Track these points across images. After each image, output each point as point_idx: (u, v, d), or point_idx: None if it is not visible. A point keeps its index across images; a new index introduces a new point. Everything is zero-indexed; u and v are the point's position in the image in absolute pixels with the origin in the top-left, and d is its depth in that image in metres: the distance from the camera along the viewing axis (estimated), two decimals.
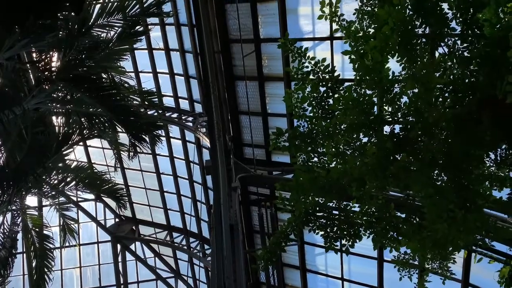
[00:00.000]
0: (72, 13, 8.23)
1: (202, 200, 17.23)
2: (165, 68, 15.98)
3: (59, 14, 8.24)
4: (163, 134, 15.99)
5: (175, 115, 16.23)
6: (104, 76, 10.07)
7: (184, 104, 16.43)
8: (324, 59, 5.84)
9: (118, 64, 10.42)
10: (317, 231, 5.91)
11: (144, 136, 10.33)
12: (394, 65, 5.40)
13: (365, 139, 5.55)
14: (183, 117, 16.10)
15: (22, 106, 7.76)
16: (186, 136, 16.96)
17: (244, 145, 13.58)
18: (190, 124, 15.45)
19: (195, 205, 17.86)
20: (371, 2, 5.78)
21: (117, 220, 20.20)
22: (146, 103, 11.85)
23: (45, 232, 12.96)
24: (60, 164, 12.58)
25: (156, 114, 14.82)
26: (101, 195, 16.16)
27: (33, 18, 7.60)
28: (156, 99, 12.13)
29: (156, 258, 20.22)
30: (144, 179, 18.84)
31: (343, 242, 5.82)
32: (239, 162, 12.56)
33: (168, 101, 16.43)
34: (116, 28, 9.92)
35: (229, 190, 10.89)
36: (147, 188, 19.08)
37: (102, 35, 9.75)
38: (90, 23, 9.45)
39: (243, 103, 12.85)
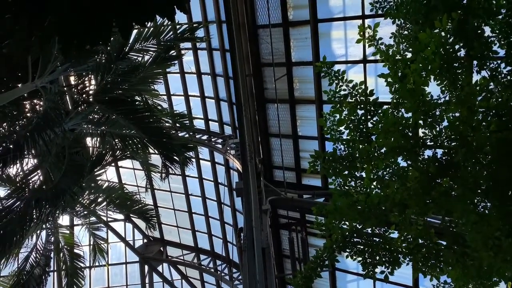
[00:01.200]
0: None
1: (230, 222, 17.32)
2: (196, 91, 16.25)
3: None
4: (193, 156, 16.17)
5: (205, 137, 16.39)
6: (138, 98, 10.31)
7: (214, 127, 16.61)
8: (362, 82, 5.81)
9: (152, 87, 10.68)
10: (354, 257, 5.77)
11: (175, 157, 10.46)
12: (432, 88, 5.33)
13: (404, 163, 5.45)
14: (212, 139, 16.25)
15: (62, 127, 7.99)
16: (215, 158, 17.08)
17: (274, 167, 13.60)
18: (220, 146, 15.57)
19: (223, 227, 17.82)
20: (408, 25, 5.78)
21: (145, 241, 20.32)
22: (177, 125, 12.07)
23: (76, 251, 13.15)
24: (93, 184, 12.83)
25: (187, 136, 15.05)
26: (131, 215, 16.33)
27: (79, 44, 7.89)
28: (187, 121, 12.36)
29: (183, 280, 20.16)
30: (173, 200, 18.97)
31: (382, 269, 5.66)
32: (269, 185, 12.54)
33: (199, 124, 16.65)
34: (151, 53, 10.22)
35: (260, 213, 10.81)
36: (175, 209, 19.18)
37: (137, 59, 10.05)
38: (127, 48, 9.76)
39: (273, 125, 12.91)
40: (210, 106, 16.32)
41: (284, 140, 12.93)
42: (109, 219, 19.64)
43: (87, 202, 12.94)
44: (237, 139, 15.02)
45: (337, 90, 5.85)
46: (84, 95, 9.71)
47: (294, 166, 13.21)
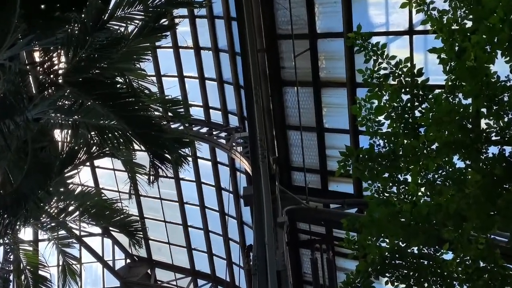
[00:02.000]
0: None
1: (236, 239, 17.38)
2: (194, 71, 16.30)
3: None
4: (190, 154, 16.26)
5: (204, 130, 16.47)
6: (120, 80, 10.36)
7: (216, 116, 16.68)
8: (407, 59, 5.77)
9: (138, 65, 10.71)
10: (396, 283, 5.75)
11: (167, 155, 10.51)
12: (499, 67, 5.28)
13: (461, 164, 5.42)
14: (214, 133, 16.32)
15: (25, 116, 8.05)
16: (217, 156, 17.21)
17: (293, 169, 13.62)
18: (223, 141, 15.65)
19: (227, 245, 17.90)
20: None
21: (128, 261, 20.47)
22: (170, 114, 12.11)
23: (41, 272, 13.27)
24: (62, 189, 12.92)
25: (181, 128, 15.11)
26: (111, 228, 16.42)
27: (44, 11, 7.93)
28: (182, 110, 12.39)
29: None
30: (164, 209, 19.10)
31: None
32: (286, 191, 12.58)
33: (197, 112, 16.75)
34: (137, 22, 10.23)
35: (274, 227, 10.84)
36: (167, 222, 19.32)
37: (119, 30, 10.08)
38: (107, 16, 9.78)
39: (292, 115, 12.93)
40: (212, 90, 16.36)
41: (306, 134, 12.93)
42: (83, 233, 19.82)
43: (56, 211, 13.02)
44: (245, 132, 15.03)
45: (375, 69, 5.82)
46: (52, 76, 9.76)
47: (318, 167, 13.20)
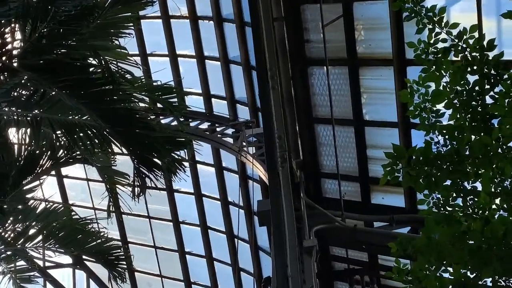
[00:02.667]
0: None
1: (249, 269, 17.45)
2: (189, 49, 16.39)
3: None
4: (186, 157, 16.33)
5: (205, 126, 16.56)
6: (93, 62, 10.41)
7: (221, 107, 16.83)
8: (474, 27, 5.72)
9: (116, 43, 10.76)
10: None
11: (156, 160, 10.56)
12: None
13: None
14: (218, 129, 16.42)
15: None
16: (222, 161, 17.35)
17: (323, 175, 13.68)
18: (230, 140, 15.77)
19: (237, 277, 17.96)
20: None
21: None
22: (159, 105, 12.16)
23: None
24: (20, 207, 13.01)
25: (175, 123, 15.16)
26: (84, 257, 16.51)
27: None
28: (176, 99, 12.43)
29: None
30: (154, 232, 19.22)
31: None
32: (315, 206, 12.60)
33: (195, 102, 16.88)
34: None
35: (299, 253, 10.80)
36: (158, 247, 19.46)
37: None
38: None
39: (321, 104, 13.00)
40: (214, 73, 16.47)
41: (340, 129, 12.99)
42: (48, 264, 19.93)
43: (12, 235, 13.12)
44: (259, 128, 15.11)
45: (432, 42, 5.78)
46: (3, 58, 9.83)
47: (357, 173, 13.24)
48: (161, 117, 16.31)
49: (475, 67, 5.67)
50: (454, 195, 5.76)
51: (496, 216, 5.64)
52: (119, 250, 13.54)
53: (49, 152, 11.81)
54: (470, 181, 5.67)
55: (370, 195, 13.34)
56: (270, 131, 11.11)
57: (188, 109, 15.76)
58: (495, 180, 5.53)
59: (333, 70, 12.42)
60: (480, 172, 5.53)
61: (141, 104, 11.36)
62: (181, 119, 14.84)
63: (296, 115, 13.06)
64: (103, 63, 10.14)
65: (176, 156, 11.39)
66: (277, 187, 10.95)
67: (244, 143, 14.99)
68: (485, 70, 5.66)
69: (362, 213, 13.00)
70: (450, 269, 5.81)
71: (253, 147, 14.90)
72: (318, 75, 12.74)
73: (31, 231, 13.16)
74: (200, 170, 17.88)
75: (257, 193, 15.63)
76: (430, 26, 5.83)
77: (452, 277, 5.79)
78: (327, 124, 13.02)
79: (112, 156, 12.61)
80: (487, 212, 5.69)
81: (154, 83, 12.28)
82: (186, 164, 16.47)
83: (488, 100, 5.66)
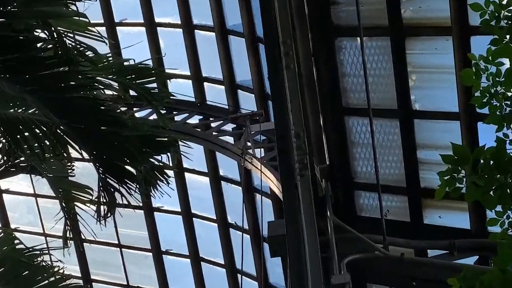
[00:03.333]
0: None
1: None
2: (173, 16, 16.42)
3: None
4: (170, 164, 16.32)
5: (195, 120, 16.63)
6: (42, 35, 10.40)
7: (216, 95, 16.99)
8: None
9: (72, 8, 10.74)
10: None
11: (129, 169, 10.56)
12: None
13: None
14: (213, 125, 16.61)
15: None
16: (219, 167, 17.56)
17: (357, 186, 13.69)
18: (230, 139, 15.96)
19: None
20: None
21: None
22: (132, 92, 12.15)
23: None
24: None
25: (154, 117, 15.15)
26: None
27: None
28: (155, 84, 12.41)
29: None
30: (127, 265, 19.28)
31: None
32: (347, 228, 12.57)
33: (182, 88, 17.03)
34: None
35: None
36: (132, 287, 19.52)
37: None
38: None
39: (354, 88, 13.01)
40: (206, 49, 16.70)
41: (380, 123, 12.98)
42: None
43: None
44: (269, 122, 15.29)
45: (505, 3, 5.76)
46: None
47: (404, 183, 13.21)
48: (135, 109, 16.33)
49: None
50: None
51: None
52: None
53: None
54: None
55: (422, 212, 13.26)
56: (285, 127, 11.01)
57: (172, 97, 15.81)
58: None
59: (370, 42, 12.37)
60: None
61: (108, 92, 11.37)
62: (163, 112, 14.87)
63: (320, 104, 13.00)
64: (55, 36, 10.15)
65: (156, 162, 11.39)
66: (294, 203, 10.85)
67: (249, 144, 15.00)
68: None
69: (411, 238, 12.91)
70: None
71: (261, 148, 14.91)
72: (350, 49, 12.68)
73: None
74: (190, 181, 17.93)
75: (267, 212, 15.63)
76: None
77: None
78: (362, 116, 12.96)
79: (69, 164, 12.63)
80: None
81: (125, 63, 12.28)
82: (171, 172, 16.49)
83: None
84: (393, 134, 12.96)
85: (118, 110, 11.56)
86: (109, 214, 11.34)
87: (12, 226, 19.07)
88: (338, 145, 13.48)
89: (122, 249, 19.14)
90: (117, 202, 10.90)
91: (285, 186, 11.27)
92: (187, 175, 17.78)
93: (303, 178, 10.78)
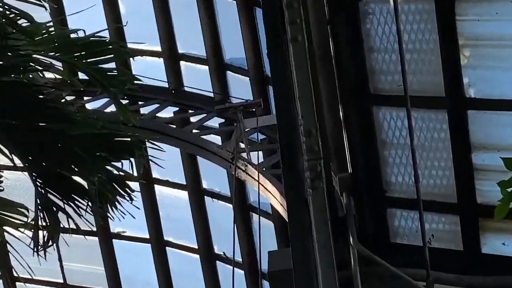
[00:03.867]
0: None
1: None
2: None
3: None
4: (134, 173, 16.36)
5: (169, 113, 16.62)
6: None
7: (197, 77, 17.14)
8: None
9: None
10: None
11: (78, 180, 10.63)
12: None
13: None
14: (193, 119, 16.55)
15: None
16: (202, 178, 17.71)
17: (390, 202, 13.77)
18: (217, 139, 16.03)
19: None
20: None
21: None
22: (82, 75, 12.21)
23: None
24: None
25: (113, 110, 15.16)
26: None
27: None
28: (113, 64, 12.46)
29: None
30: None
31: None
32: (376, 259, 12.59)
33: (149, 69, 17.08)
34: None
35: None
36: None
37: None
38: None
39: (384, 69, 13.07)
40: (183, 13, 17.17)
41: (421, 115, 13.07)
42: None
43: None
44: (270, 116, 15.10)
45: None
46: None
47: (455, 198, 13.23)
48: (86, 99, 16.41)
49: None
50: None
51: None
52: None
53: None
54: None
55: (480, 238, 13.24)
56: (290, 122, 10.98)
57: (137, 82, 15.88)
58: None
59: (407, 5, 12.37)
60: None
61: (49, 75, 11.43)
62: (124, 102, 14.94)
63: (339, 90, 13.06)
64: None
65: (116, 171, 11.47)
66: (304, 226, 10.85)
67: (242, 145, 15.08)
68: None
69: (465, 273, 12.94)
70: None
71: (258, 151, 14.95)
72: (379, 14, 12.66)
73: None
74: (162, 197, 18.05)
75: (267, 238, 15.74)
76: None
77: None
78: (397, 106, 12.93)
79: None
80: None
81: (73, 35, 12.36)
82: (135, 185, 16.55)
83: None
84: (439, 131, 12.92)
85: (63, 100, 11.63)
86: (50, 243, 11.40)
87: None
88: (364, 146, 13.48)
89: None
90: (62, 225, 10.97)
91: (291, 203, 11.23)
92: (158, 188, 17.87)
93: (316, 192, 10.71)
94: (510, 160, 5.67)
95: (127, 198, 11.61)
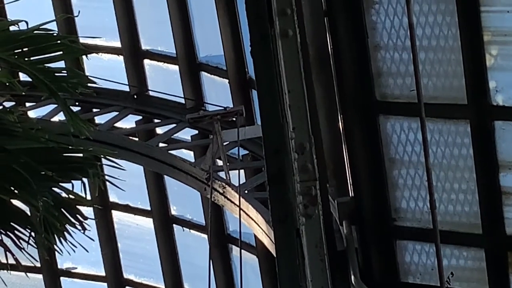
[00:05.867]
0: None
1: None
2: None
3: None
4: (88, 197, 16.38)
5: (131, 123, 16.61)
6: None
7: (164, 78, 17.37)
8: None
9: None
10: None
11: (19, 206, 10.64)
12: None
13: None
14: (159, 130, 16.55)
15: None
16: (170, 201, 17.75)
17: (401, 234, 13.76)
18: (189, 155, 15.99)
19: None
20: None
21: None
22: (23, 77, 12.21)
23: None
24: None
25: (63, 119, 15.15)
26: None
27: None
28: (62, 62, 12.46)
29: None
30: None
31: None
32: None
33: (106, 68, 17.11)
34: None
35: None
36: None
37: None
38: None
39: (395, 69, 13.09)
40: (147, 4, 17.10)
41: (437, 127, 13.09)
42: None
43: None
44: (253, 127, 15.11)
45: None
46: None
47: (479, 229, 13.23)
48: (29, 105, 16.39)
49: None
50: None
51: None
52: None
53: None
54: None
55: (509, 276, 13.26)
56: (278, 134, 10.96)
57: (91, 85, 15.88)
58: None
59: None
60: None
61: None
62: (75, 109, 14.94)
63: (338, 96, 13.06)
64: None
65: (65, 194, 11.45)
66: (294, 262, 10.81)
67: (220, 162, 15.07)
68: None
69: None
70: None
71: (240, 170, 14.93)
72: (387, 4, 12.68)
73: None
74: (121, 225, 18.02)
75: (250, 275, 15.73)
76: None
77: None
78: (409, 116, 12.95)
79: None
80: None
81: (12, 28, 12.38)
82: (89, 210, 16.51)
83: None
84: (460, 146, 12.91)
85: (0, 107, 11.62)
86: None
87: None
88: (368, 165, 13.48)
89: None
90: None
91: (279, 235, 11.16)
92: (117, 215, 17.83)
93: (311, 221, 10.68)
94: None
95: (79, 227, 11.59)
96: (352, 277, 12.51)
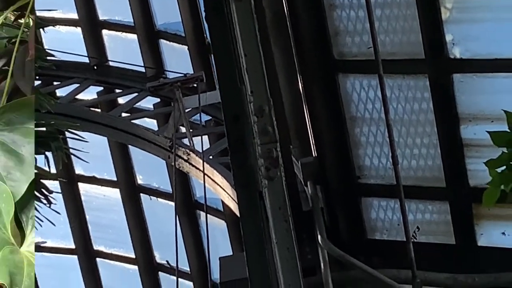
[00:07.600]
0: None
1: None
2: None
3: None
4: (52, 170, 16.29)
5: (92, 94, 16.54)
6: None
7: (123, 48, 17.25)
8: None
9: None
10: None
11: None
12: None
13: None
14: (121, 100, 16.56)
15: None
16: (136, 170, 17.75)
17: (365, 191, 13.88)
18: (152, 123, 16.02)
19: None
20: None
21: None
22: None
23: None
24: None
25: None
26: None
27: None
28: (18, 30, 12.37)
29: None
30: None
31: None
32: (350, 260, 12.62)
33: (65, 40, 17.09)
34: None
35: None
36: None
37: None
38: None
39: (352, 28, 13.13)
40: None
41: (397, 82, 13.11)
42: None
43: None
44: (214, 92, 15.05)
45: None
46: None
47: (442, 182, 13.36)
48: None
49: None
50: None
51: None
52: None
53: None
54: None
55: (475, 228, 13.31)
56: (237, 99, 10.93)
57: (50, 58, 15.78)
58: None
59: None
60: None
61: None
62: (36, 83, 14.81)
63: (297, 57, 13.05)
64: None
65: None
66: (259, 226, 10.78)
67: (183, 129, 15.04)
68: None
69: (459, 271, 12.97)
70: None
71: (203, 136, 14.91)
72: None
73: None
74: (88, 197, 18.02)
75: (219, 240, 15.71)
76: None
77: None
78: (367, 73, 12.94)
79: None
80: None
81: None
82: (54, 184, 16.39)
83: None
84: (420, 100, 12.89)
85: None
86: None
87: None
88: (330, 124, 13.46)
89: None
90: None
91: (242, 199, 11.12)
92: (83, 187, 17.78)
93: (273, 183, 10.62)
94: (499, 134, 5.64)
95: (44, 201, 11.50)
96: (319, 236, 12.49)
